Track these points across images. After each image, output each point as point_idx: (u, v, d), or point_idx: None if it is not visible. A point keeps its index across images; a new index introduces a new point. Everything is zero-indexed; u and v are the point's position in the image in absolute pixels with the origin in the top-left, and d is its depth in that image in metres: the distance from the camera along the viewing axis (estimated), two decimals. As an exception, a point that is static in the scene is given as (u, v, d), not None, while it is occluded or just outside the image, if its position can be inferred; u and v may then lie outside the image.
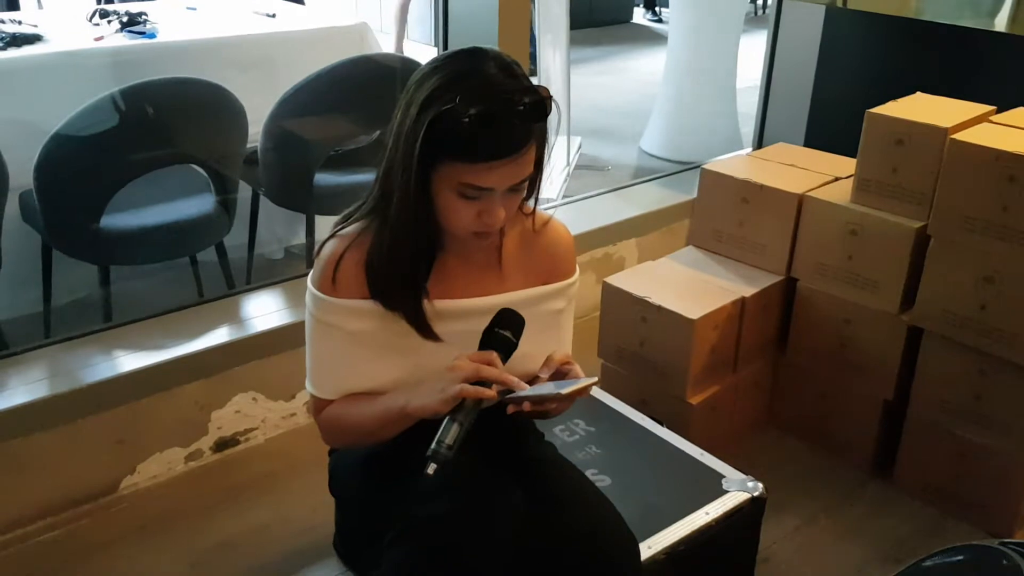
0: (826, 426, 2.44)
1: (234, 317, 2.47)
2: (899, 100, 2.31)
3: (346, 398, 1.39)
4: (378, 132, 2.99)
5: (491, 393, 1.22)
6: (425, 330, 1.34)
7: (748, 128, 4.62)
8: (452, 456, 1.19)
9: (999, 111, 2.27)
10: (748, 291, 2.34)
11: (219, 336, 2.35)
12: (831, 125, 3.35)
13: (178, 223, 2.58)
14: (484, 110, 1.18)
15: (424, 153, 1.22)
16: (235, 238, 2.93)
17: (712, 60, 4.75)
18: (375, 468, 1.44)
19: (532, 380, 1.32)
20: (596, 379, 1.25)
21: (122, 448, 2.21)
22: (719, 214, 2.50)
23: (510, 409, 1.25)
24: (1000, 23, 3.11)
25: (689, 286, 2.36)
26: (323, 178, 2.90)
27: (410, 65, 2.86)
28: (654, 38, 8.28)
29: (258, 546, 2.08)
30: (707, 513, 1.77)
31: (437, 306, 1.35)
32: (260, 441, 2.46)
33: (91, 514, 2.13)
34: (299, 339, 2.39)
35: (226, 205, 2.63)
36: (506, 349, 1.29)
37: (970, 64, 2.87)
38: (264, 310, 2.49)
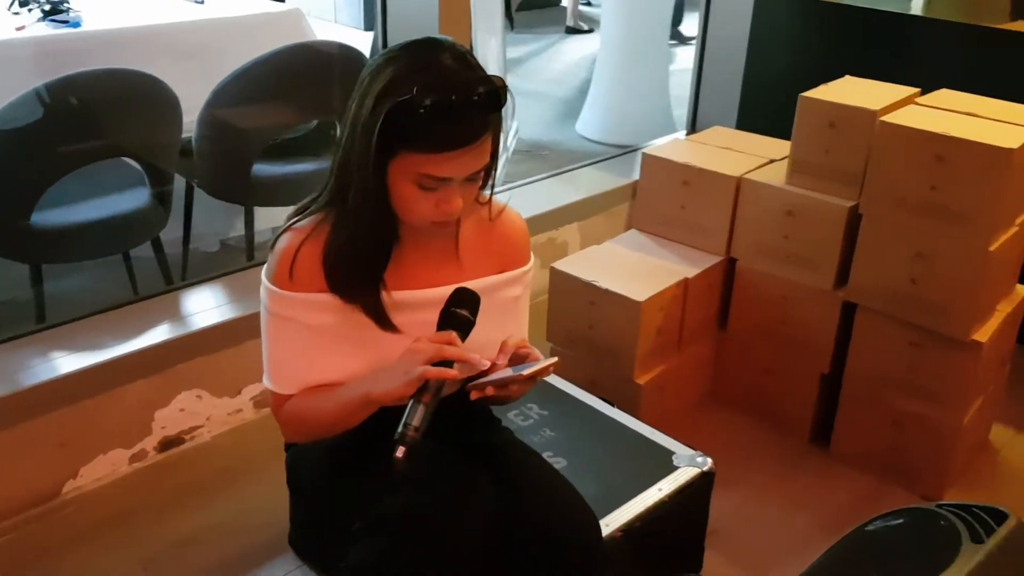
0: (767, 400, 2.52)
1: (175, 313, 2.42)
2: (829, 84, 2.38)
3: (306, 391, 1.38)
4: (316, 121, 2.97)
5: (454, 373, 1.24)
6: (384, 322, 1.35)
7: (679, 111, 4.70)
8: (419, 438, 1.20)
9: (923, 93, 2.35)
10: (691, 272, 2.39)
11: (160, 333, 2.31)
12: (763, 108, 3.43)
13: (114, 218, 2.51)
14: (441, 100, 1.19)
15: (381, 144, 1.22)
16: (168, 232, 2.87)
17: (645, 44, 4.80)
18: (339, 460, 1.44)
19: (490, 368, 1.34)
20: (555, 359, 1.27)
21: (64, 451, 2.16)
22: (661, 197, 2.55)
23: (473, 395, 1.27)
24: (916, 7, 3.23)
25: (634, 269, 2.41)
26: (261, 168, 2.86)
27: (349, 52, 2.84)
28: (584, 21, 8.32)
29: (211, 545, 2.06)
30: (660, 489, 1.82)
31: (395, 297, 1.35)
32: (206, 439, 2.42)
33: (36, 520, 2.08)
34: (243, 334, 2.39)
35: (162, 198, 2.58)
36: (464, 327, 1.30)
37: (894, 47, 2.97)
38: (205, 305, 2.45)
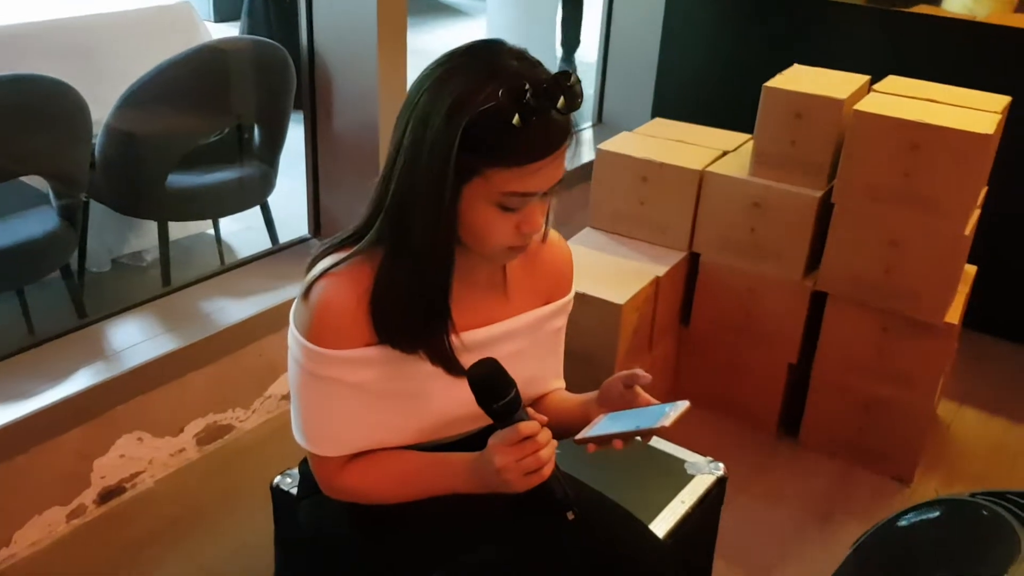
0: (732, 394, 2.51)
1: (103, 350, 2.15)
2: (784, 73, 2.38)
3: (366, 464, 1.24)
4: (235, 125, 2.72)
5: (549, 467, 1.14)
6: (454, 367, 1.20)
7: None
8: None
9: (873, 80, 2.39)
10: (660, 270, 2.34)
11: (93, 374, 2.04)
12: (682, 98, 3.43)
13: (21, 246, 2.19)
14: (529, 105, 1.05)
15: (458, 165, 1.08)
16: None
17: (533, 32, 4.74)
18: (392, 513, 1.28)
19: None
20: (687, 404, 1.16)
21: (-7, 518, 1.88)
22: (618, 194, 2.48)
23: (590, 448, 1.16)
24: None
25: (603, 270, 2.33)
26: (174, 179, 2.59)
27: (266, 50, 2.60)
28: (440, 9, 8.16)
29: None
30: (683, 502, 1.75)
31: (465, 339, 1.21)
32: (149, 485, 2.18)
33: (-32, 602, 1.80)
34: (182, 367, 2.16)
35: (71, 219, 2.28)
36: (515, 407, 1.14)
37: (815, 32, 3.03)
38: (134, 338, 2.20)
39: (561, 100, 1.07)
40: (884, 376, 2.28)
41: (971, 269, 2.41)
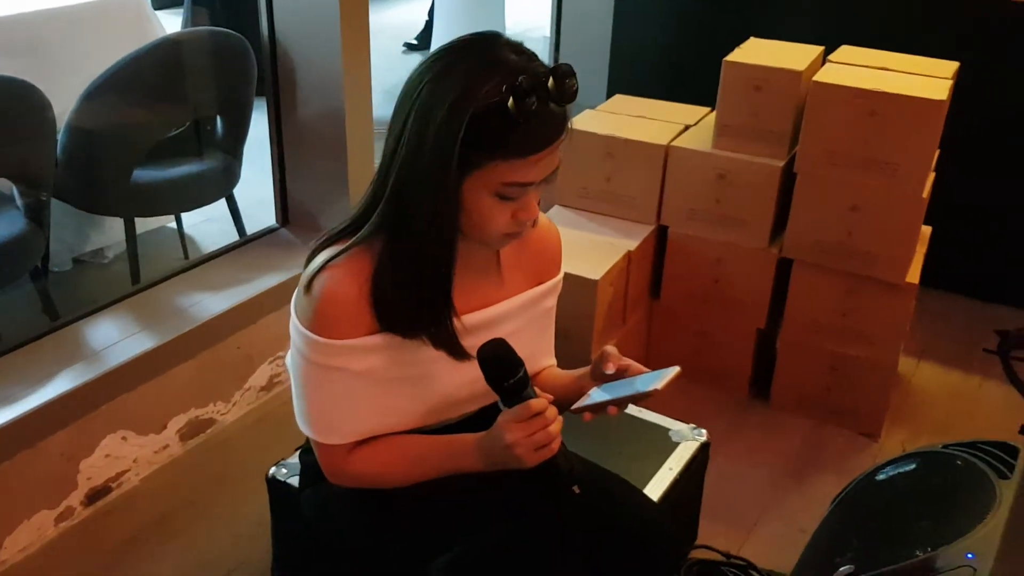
0: (704, 360, 2.57)
1: (81, 351, 2.13)
2: (742, 46, 2.43)
3: (370, 450, 1.27)
4: (198, 117, 2.69)
5: (557, 441, 1.18)
6: (458, 351, 1.24)
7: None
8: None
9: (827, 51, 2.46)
10: (632, 244, 2.39)
11: (76, 375, 2.03)
12: (635, 73, 3.47)
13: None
14: (529, 98, 1.08)
15: (461, 157, 1.11)
16: None
17: (481, 9, 4.75)
18: (397, 499, 1.31)
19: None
20: (678, 368, 1.21)
21: (-17, 525, 1.86)
22: (585, 172, 2.51)
23: (586, 417, 1.21)
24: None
25: (575, 247, 2.35)
26: (139, 174, 2.56)
27: (225, 40, 2.57)
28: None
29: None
30: (671, 469, 1.81)
31: (466, 321, 1.25)
32: (135, 483, 2.18)
33: (-35, 611, 1.79)
34: (162, 363, 2.16)
35: (39, 220, 2.24)
36: (524, 384, 1.18)
37: (762, 5, 3.09)
38: (111, 338, 2.18)
39: (559, 92, 1.11)
40: (849, 336, 2.36)
41: (927, 229, 2.50)
